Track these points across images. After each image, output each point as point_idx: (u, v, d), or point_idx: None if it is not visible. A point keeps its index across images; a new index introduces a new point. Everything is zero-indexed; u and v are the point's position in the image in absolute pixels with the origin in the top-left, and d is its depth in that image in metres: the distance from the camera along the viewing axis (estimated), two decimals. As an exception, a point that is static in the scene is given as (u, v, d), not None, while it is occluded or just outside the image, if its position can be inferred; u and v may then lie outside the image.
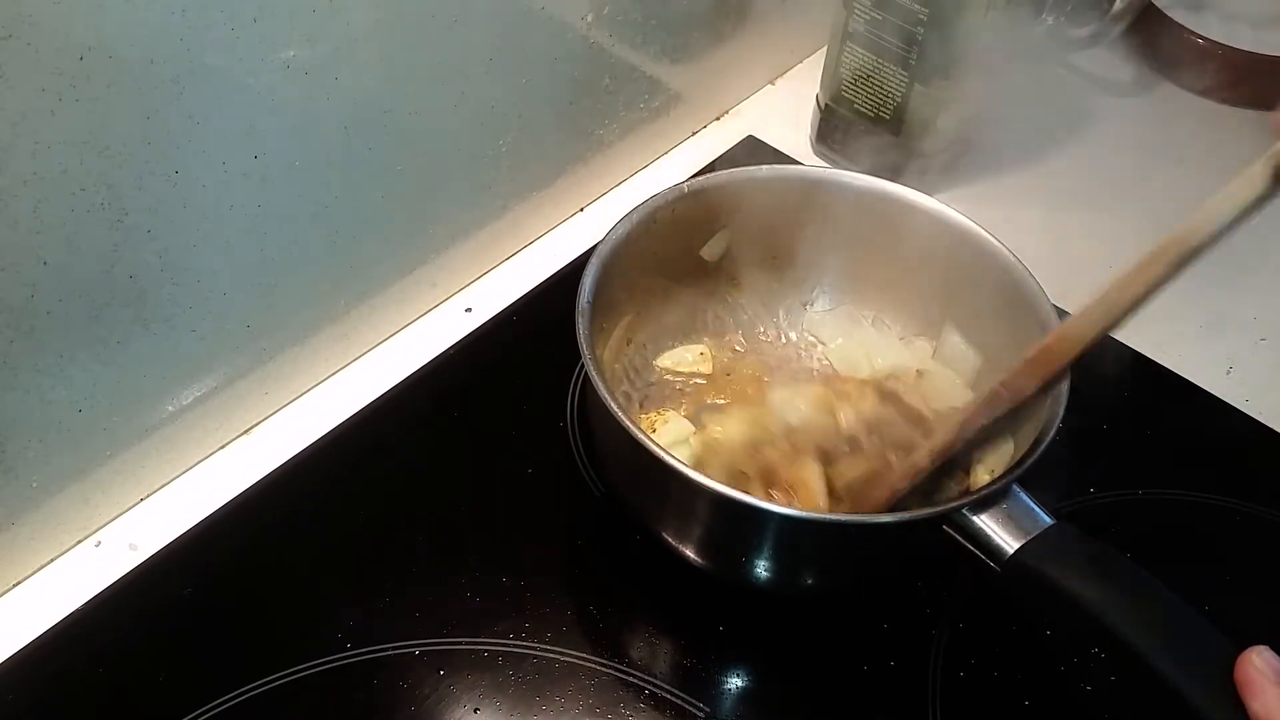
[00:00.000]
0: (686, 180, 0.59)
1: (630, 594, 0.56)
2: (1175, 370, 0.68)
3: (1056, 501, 0.59)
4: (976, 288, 0.58)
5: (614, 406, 0.48)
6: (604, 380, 0.49)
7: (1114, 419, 0.65)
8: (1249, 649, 0.39)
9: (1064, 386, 0.50)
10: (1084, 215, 0.77)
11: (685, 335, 0.64)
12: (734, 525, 0.50)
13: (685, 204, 0.58)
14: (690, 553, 0.53)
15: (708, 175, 0.60)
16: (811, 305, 0.66)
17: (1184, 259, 0.40)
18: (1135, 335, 0.69)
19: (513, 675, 0.52)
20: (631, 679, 0.53)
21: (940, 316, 0.61)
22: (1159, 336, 0.69)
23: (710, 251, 0.63)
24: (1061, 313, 0.54)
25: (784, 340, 0.65)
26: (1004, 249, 0.56)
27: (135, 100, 0.46)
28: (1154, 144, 0.83)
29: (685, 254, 0.61)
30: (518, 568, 0.56)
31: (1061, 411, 0.49)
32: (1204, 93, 0.87)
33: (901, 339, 0.64)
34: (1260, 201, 0.38)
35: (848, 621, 0.56)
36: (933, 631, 0.55)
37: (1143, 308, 0.42)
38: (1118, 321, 0.43)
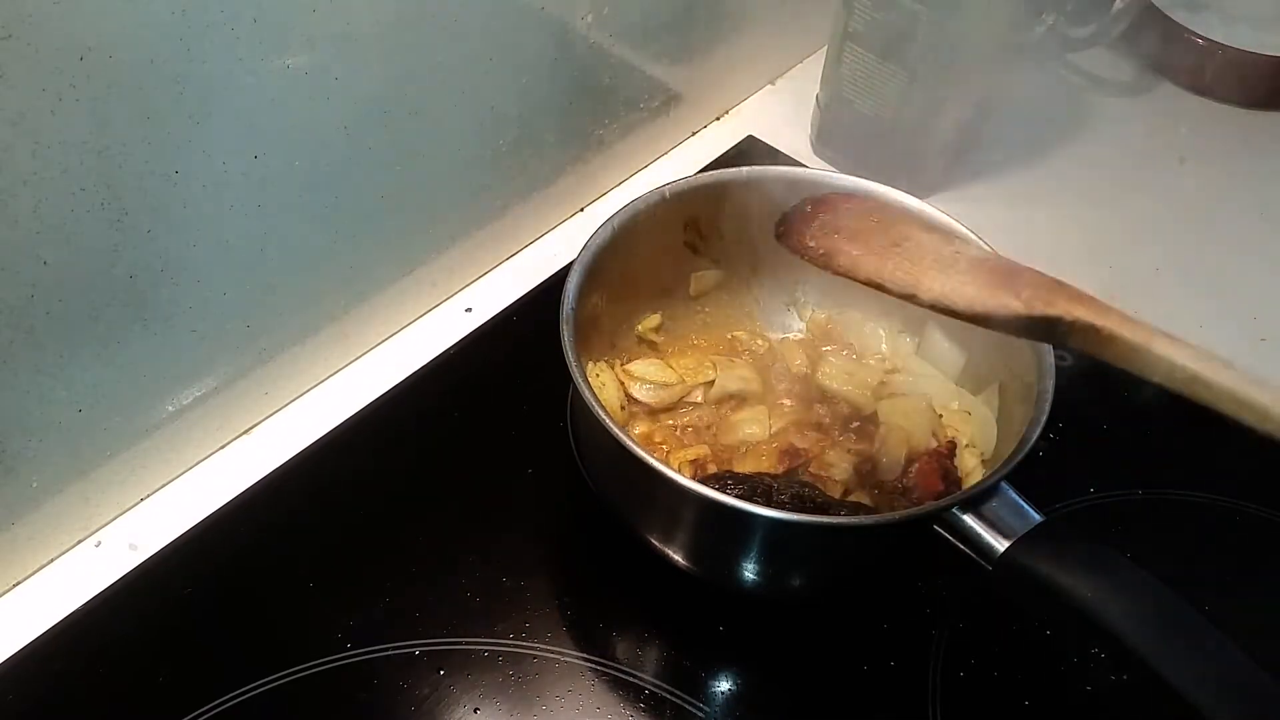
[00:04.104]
0: (668, 184, 0.59)
1: (630, 594, 0.56)
2: (1175, 370, 0.68)
3: (1057, 501, 0.59)
4: None
5: (601, 413, 0.48)
6: (590, 388, 0.49)
7: (1114, 419, 0.65)
8: None
9: (1049, 385, 0.50)
10: (1083, 215, 0.77)
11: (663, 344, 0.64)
12: (718, 528, 0.50)
13: (667, 207, 0.58)
14: (679, 557, 0.53)
15: (688, 178, 0.60)
16: (794, 306, 0.66)
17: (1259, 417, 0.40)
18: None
19: (513, 675, 0.52)
20: (631, 679, 0.53)
21: (923, 314, 0.61)
22: (1159, 336, 0.69)
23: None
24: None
25: (762, 341, 0.65)
26: (987, 248, 0.56)
27: (135, 100, 0.46)
28: (1154, 144, 0.83)
29: (670, 256, 0.62)
30: (518, 568, 0.56)
31: (1047, 409, 0.49)
32: (1204, 93, 0.87)
33: (886, 335, 0.64)
34: None
35: (848, 621, 0.56)
36: (933, 631, 0.55)
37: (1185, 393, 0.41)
38: (1167, 379, 0.41)
